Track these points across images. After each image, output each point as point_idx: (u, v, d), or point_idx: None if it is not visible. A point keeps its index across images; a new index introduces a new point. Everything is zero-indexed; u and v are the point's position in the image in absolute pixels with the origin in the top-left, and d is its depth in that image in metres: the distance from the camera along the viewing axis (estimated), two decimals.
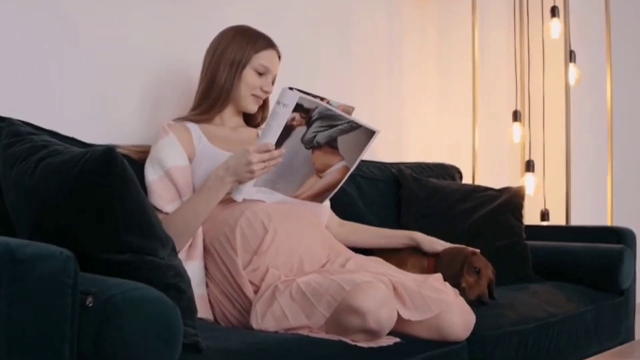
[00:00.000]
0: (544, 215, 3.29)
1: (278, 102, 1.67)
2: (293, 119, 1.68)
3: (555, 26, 3.29)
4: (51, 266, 1.04)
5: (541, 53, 3.37)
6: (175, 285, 1.31)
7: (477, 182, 3.21)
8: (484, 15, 3.39)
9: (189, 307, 1.33)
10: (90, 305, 1.09)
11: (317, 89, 1.80)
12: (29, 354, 1.02)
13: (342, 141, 1.80)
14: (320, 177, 1.87)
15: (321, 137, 1.76)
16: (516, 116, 3.33)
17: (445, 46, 3.47)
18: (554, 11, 3.30)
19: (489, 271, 1.97)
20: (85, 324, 1.09)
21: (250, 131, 2.10)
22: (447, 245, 2.10)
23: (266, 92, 2.04)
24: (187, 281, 1.37)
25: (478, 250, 2.06)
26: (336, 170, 1.87)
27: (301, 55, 2.68)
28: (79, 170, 1.26)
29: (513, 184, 2.90)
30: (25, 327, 1.02)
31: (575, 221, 3.19)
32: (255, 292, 1.71)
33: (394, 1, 3.23)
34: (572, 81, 3.22)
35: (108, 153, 1.25)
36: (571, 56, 3.22)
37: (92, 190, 1.26)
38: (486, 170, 3.32)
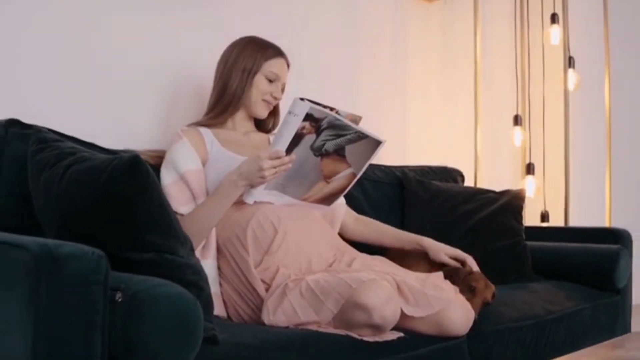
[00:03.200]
0: (544, 217, 3.30)
1: (289, 112, 1.72)
2: (303, 128, 1.73)
3: (555, 32, 3.32)
4: (84, 264, 1.11)
5: (541, 59, 3.40)
6: (195, 282, 1.38)
7: (479, 185, 3.22)
8: (486, 22, 3.41)
9: (207, 303, 1.40)
10: (119, 300, 1.17)
11: (320, 96, 1.85)
12: (64, 343, 1.09)
13: (349, 150, 1.84)
14: (328, 183, 1.91)
15: (330, 146, 1.81)
16: (517, 120, 3.35)
17: (448, 52, 3.48)
18: (554, 18, 3.33)
19: (487, 292, 1.92)
20: (115, 317, 1.16)
21: (261, 136, 2.15)
22: (453, 252, 2.08)
23: (276, 99, 2.10)
24: (205, 279, 1.43)
25: (476, 270, 2.02)
26: (343, 177, 1.91)
27: (305, 58, 2.69)
28: (107, 176, 1.33)
29: (514, 186, 2.91)
30: (62, 318, 1.09)
31: (574, 222, 3.21)
32: (267, 290, 1.77)
33: (399, 4, 3.26)
34: (571, 86, 3.24)
35: (134, 160, 1.32)
36: (570, 62, 3.25)
37: (119, 195, 1.32)
38: (488, 173, 3.33)
